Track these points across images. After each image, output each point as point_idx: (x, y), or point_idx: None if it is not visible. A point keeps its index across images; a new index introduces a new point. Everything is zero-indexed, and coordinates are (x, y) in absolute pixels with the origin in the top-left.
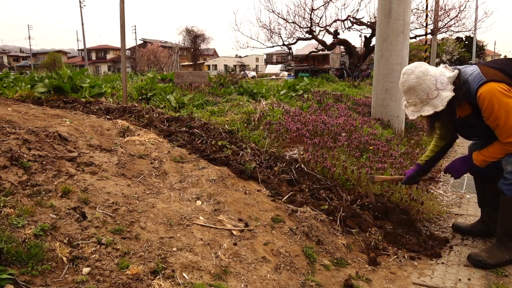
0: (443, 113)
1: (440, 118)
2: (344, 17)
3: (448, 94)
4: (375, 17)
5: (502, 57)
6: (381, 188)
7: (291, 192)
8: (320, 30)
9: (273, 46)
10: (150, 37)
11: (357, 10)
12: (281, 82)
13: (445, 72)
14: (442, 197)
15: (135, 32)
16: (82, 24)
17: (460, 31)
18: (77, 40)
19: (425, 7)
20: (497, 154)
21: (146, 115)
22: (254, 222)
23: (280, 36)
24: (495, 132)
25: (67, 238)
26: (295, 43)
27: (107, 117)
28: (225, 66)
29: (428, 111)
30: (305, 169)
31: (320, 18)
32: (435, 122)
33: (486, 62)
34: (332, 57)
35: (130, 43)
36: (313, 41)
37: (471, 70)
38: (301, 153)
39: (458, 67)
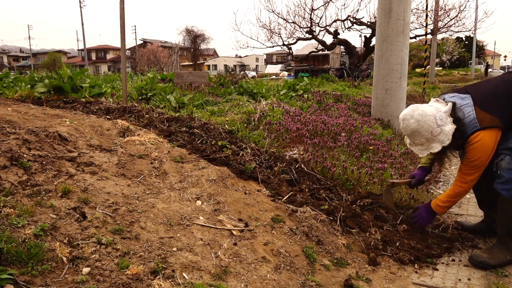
0: (449, 146)
1: (446, 150)
2: (344, 17)
3: (450, 127)
4: (375, 17)
5: (502, 56)
6: (381, 189)
7: (291, 192)
8: (320, 30)
9: (273, 46)
10: (150, 37)
11: (357, 10)
12: (281, 82)
13: (440, 108)
14: None
15: (135, 32)
16: (82, 24)
17: (460, 31)
18: (77, 40)
19: (425, 7)
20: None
21: (146, 115)
22: (254, 222)
23: (280, 36)
24: (462, 163)
25: (67, 238)
26: (295, 43)
27: (107, 117)
28: (225, 66)
29: (436, 147)
30: (305, 169)
31: (320, 18)
32: (444, 156)
33: (484, 93)
34: (332, 57)
35: (130, 43)
36: (313, 41)
37: (468, 112)
38: (301, 153)
39: (455, 100)
